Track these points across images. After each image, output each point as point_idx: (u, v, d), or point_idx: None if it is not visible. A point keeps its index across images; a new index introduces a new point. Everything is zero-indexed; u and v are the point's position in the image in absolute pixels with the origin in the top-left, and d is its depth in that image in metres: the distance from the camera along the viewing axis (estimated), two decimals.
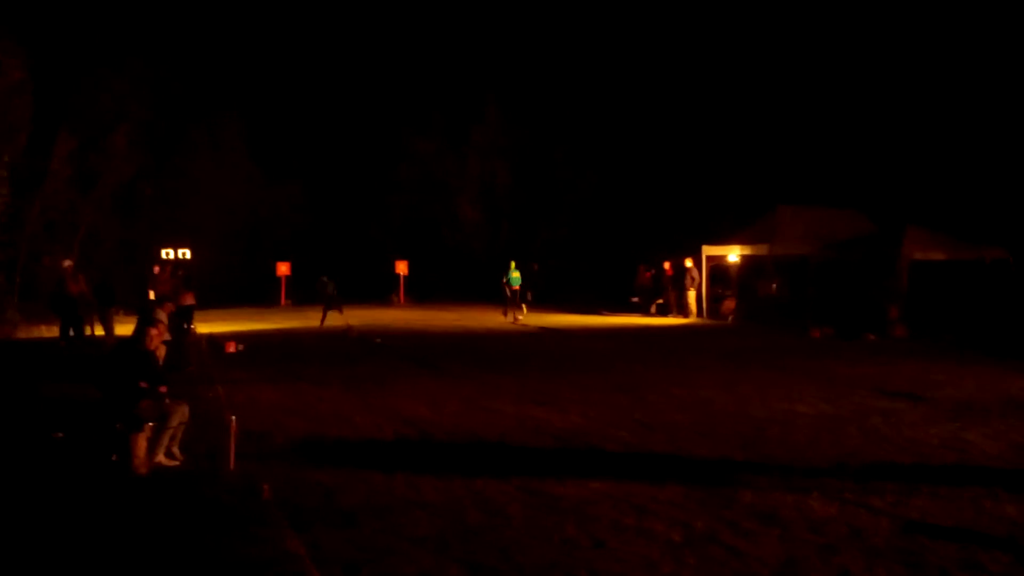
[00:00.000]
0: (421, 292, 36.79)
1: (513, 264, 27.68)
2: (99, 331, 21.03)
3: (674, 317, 27.17)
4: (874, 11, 38.66)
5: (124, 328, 19.16)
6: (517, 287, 27.19)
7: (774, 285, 24.92)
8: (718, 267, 27.32)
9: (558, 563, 5.64)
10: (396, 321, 26.88)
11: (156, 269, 26.19)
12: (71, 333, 20.05)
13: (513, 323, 25.70)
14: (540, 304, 33.81)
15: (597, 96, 43.39)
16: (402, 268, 36.67)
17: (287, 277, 34.21)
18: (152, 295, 21.90)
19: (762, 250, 25.15)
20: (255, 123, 43.50)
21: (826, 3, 41.40)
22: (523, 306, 27.38)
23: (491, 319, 27.01)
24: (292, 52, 51.61)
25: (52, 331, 22.08)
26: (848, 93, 37.52)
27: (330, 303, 24.02)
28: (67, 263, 22.07)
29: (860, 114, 36.69)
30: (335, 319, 23.45)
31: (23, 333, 22.33)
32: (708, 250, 27.06)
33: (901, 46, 37.40)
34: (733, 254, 26.33)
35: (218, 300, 32.93)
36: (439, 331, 23.29)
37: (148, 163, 34.60)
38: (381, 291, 38.41)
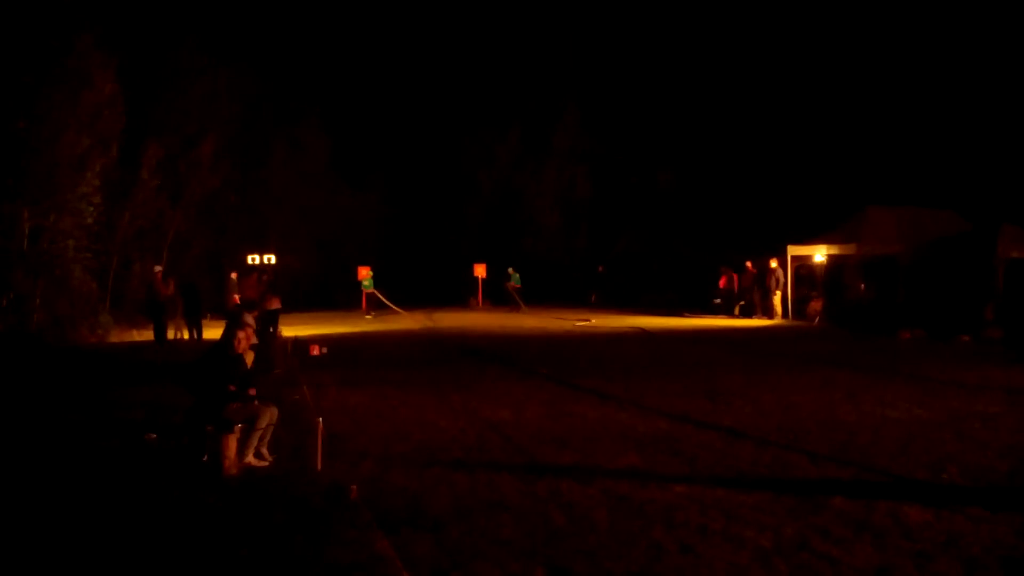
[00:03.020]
0: (499, 296, 36.91)
1: (511, 269, 34.94)
2: (184, 334, 21.65)
3: (759, 319, 26.76)
4: (970, 5, 37.49)
5: (212, 332, 19.65)
6: (519, 286, 34.58)
7: (862, 286, 24.30)
8: (804, 267, 26.80)
9: (646, 568, 5.55)
10: (475, 324, 27.03)
11: (234, 275, 26.74)
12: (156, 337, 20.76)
13: (520, 313, 32.21)
14: (624, 307, 33.64)
15: (677, 97, 43.01)
16: (481, 271, 36.88)
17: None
18: (235, 299, 22.35)
19: (850, 249, 24.59)
20: (337, 132, 44.38)
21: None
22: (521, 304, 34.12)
23: (570, 323, 26.93)
24: (373, 61, 52.34)
25: (143, 335, 22.79)
26: (940, 91, 36.44)
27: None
28: (157, 268, 22.75)
29: (951, 111, 35.61)
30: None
31: (115, 337, 23.04)
32: (793, 250, 26.61)
33: (995, 43, 36.19)
34: (819, 254, 25.79)
35: (302, 304, 33.48)
36: (518, 334, 23.33)
37: (233, 172, 35.34)
38: (460, 295, 38.76)
